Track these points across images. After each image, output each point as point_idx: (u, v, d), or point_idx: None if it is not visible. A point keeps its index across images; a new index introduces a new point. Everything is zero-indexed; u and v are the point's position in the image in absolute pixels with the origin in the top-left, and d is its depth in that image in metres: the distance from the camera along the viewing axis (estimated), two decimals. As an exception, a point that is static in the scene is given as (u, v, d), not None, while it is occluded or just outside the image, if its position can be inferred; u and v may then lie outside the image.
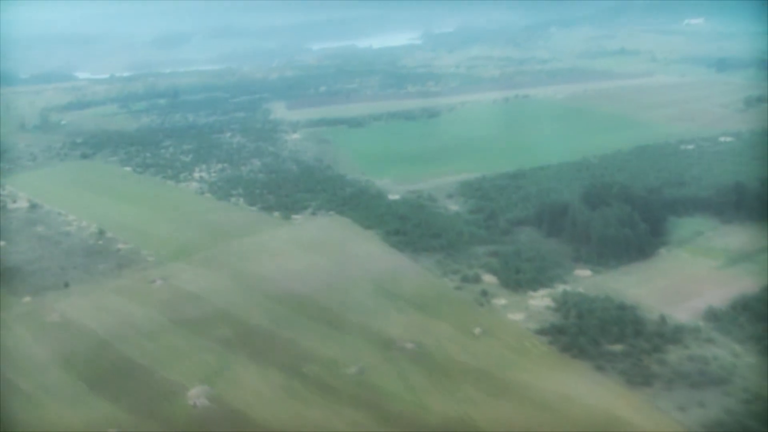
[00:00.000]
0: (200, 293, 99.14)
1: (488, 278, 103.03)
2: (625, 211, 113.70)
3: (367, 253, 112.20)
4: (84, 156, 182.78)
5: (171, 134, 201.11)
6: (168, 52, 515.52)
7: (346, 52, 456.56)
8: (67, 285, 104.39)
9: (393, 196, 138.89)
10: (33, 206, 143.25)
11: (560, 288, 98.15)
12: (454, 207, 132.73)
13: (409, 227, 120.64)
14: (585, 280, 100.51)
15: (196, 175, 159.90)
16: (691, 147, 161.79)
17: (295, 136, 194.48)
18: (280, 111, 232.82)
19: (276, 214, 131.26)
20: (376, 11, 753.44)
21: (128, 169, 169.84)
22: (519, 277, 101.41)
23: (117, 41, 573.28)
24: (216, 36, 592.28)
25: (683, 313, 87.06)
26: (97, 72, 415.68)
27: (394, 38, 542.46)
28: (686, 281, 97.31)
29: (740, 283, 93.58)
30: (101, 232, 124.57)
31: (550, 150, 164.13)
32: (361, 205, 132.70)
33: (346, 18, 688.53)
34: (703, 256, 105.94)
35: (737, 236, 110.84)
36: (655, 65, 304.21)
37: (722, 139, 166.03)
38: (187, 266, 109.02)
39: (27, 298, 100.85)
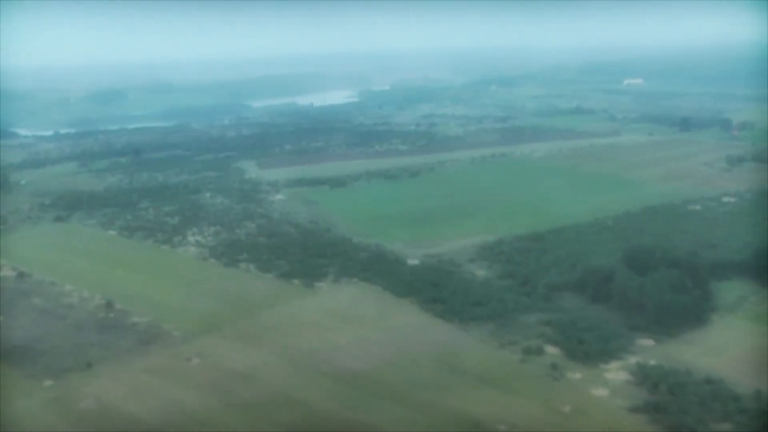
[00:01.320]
0: (248, 372, 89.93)
1: (551, 350, 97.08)
2: (675, 276, 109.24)
3: (412, 324, 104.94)
4: (58, 219, 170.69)
5: (145, 195, 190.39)
6: (105, 108, 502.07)
7: (289, 109, 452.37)
8: (89, 365, 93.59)
9: (412, 261, 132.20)
10: (21, 275, 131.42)
11: (631, 360, 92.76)
12: (481, 272, 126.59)
13: (446, 295, 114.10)
14: (650, 350, 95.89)
15: (191, 239, 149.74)
16: (698, 207, 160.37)
17: (279, 197, 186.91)
18: (252, 170, 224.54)
19: (296, 281, 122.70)
20: (307, 69, 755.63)
21: (113, 232, 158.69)
22: (584, 349, 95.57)
23: (49, 96, 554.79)
24: (150, 92, 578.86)
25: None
26: (36, 128, 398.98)
27: (330, 96, 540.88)
28: (756, 352, 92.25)
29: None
30: (109, 304, 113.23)
31: (554, 211, 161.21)
32: (383, 272, 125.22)
33: (278, 76, 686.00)
34: (756, 323, 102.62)
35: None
36: (615, 124, 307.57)
37: (725, 199, 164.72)
38: (220, 342, 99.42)
39: (48, 382, 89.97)
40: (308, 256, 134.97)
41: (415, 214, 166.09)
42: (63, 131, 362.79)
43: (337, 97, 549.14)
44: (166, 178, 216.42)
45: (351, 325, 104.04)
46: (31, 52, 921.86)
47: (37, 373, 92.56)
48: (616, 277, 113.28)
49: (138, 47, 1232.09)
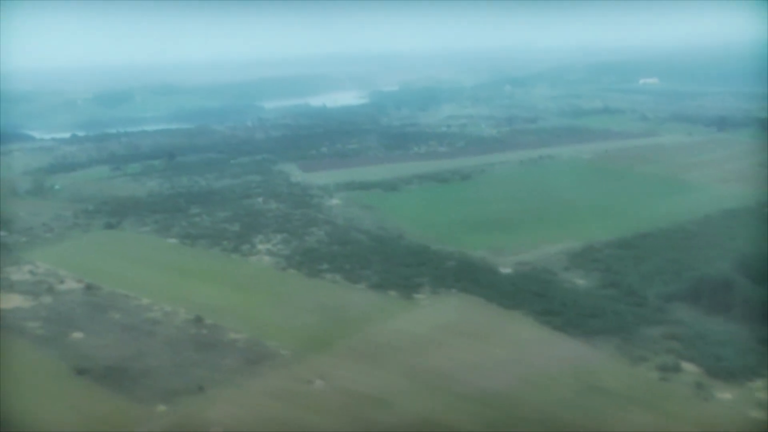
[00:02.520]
0: (380, 396, 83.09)
1: (688, 366, 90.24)
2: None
3: (535, 339, 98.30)
4: (109, 226, 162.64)
5: (192, 200, 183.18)
6: (114, 110, 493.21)
7: (304, 110, 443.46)
8: (201, 388, 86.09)
9: (504, 270, 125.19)
10: (89, 287, 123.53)
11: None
12: (580, 281, 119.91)
13: (556, 307, 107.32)
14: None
15: (261, 247, 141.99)
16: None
17: (334, 201, 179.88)
18: (295, 173, 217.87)
19: (392, 293, 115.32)
20: (311, 70, 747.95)
21: (173, 240, 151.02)
22: (724, 366, 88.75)
23: (54, 98, 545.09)
24: (157, 94, 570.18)
25: None
26: (48, 131, 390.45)
27: (339, 97, 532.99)
28: None
29: None
30: (198, 319, 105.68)
31: (630, 215, 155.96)
32: (479, 282, 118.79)
33: (283, 77, 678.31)
34: None
35: None
36: (648, 124, 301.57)
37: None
38: (336, 361, 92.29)
39: (161, 407, 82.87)
40: (393, 265, 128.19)
41: (484, 219, 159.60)
42: (80, 133, 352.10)
43: (347, 98, 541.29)
44: (208, 182, 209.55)
45: (471, 340, 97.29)
46: (32, 53, 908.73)
47: (144, 396, 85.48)
48: (734, 286, 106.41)
49: (139, 49, 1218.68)
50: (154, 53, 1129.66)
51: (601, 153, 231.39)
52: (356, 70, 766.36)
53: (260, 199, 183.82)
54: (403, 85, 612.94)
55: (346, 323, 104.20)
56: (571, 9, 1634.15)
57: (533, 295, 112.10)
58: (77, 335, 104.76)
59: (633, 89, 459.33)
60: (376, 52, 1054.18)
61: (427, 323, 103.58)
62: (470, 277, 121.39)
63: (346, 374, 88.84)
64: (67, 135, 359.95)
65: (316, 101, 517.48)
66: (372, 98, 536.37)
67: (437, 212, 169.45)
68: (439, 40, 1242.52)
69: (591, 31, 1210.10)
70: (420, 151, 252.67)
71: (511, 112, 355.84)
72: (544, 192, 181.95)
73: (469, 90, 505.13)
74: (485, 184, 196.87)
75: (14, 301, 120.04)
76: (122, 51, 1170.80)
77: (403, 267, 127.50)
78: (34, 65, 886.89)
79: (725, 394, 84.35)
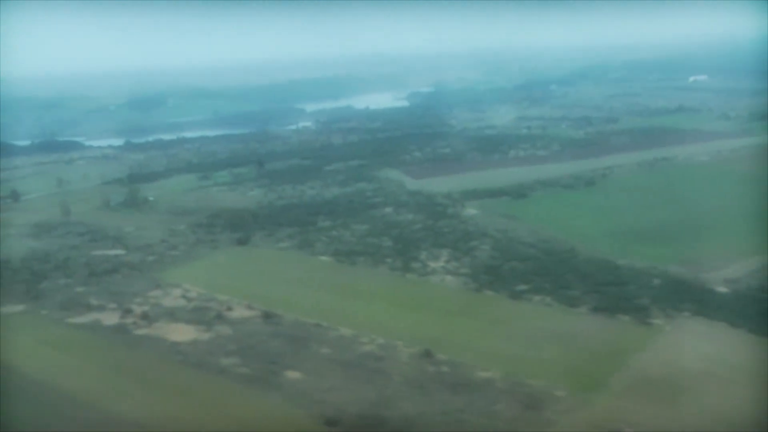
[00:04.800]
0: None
1: None
2: None
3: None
4: (240, 242, 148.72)
5: (314, 211, 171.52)
6: (150, 116, 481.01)
7: (351, 113, 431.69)
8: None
9: (719, 288, 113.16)
10: (267, 316, 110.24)
11: None
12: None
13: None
14: None
15: (433, 265, 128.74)
16: None
17: (471, 211, 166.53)
18: (405, 180, 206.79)
19: (622, 318, 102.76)
20: (337, 72, 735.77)
21: (325, 258, 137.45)
22: None
23: (86, 104, 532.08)
24: (189, 98, 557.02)
25: None
26: (90, 137, 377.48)
27: (377, 99, 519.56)
28: None
29: None
30: (428, 354, 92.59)
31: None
32: (706, 303, 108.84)
33: (313, 79, 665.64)
34: None
35: None
36: (736, 123, 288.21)
37: None
38: (627, 403, 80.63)
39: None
40: (596, 284, 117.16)
41: (640, 228, 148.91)
42: (134, 140, 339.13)
43: (385, 99, 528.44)
44: (316, 191, 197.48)
45: (750, 375, 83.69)
46: (53, 57, 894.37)
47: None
48: None
49: (163, 51, 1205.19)
50: (171, 57, 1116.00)
51: (714, 154, 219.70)
52: (383, 71, 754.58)
53: (388, 209, 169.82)
54: (437, 86, 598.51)
55: (602, 355, 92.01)
56: (582, 9, 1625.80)
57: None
58: (293, 375, 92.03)
59: (686, 86, 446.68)
60: (398, 53, 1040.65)
61: (689, 354, 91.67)
62: (691, 298, 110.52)
63: (649, 419, 75.69)
64: (119, 141, 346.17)
65: (355, 103, 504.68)
66: (411, 100, 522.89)
67: (585, 221, 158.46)
68: (459, 40, 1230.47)
69: (605, 30, 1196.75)
70: (518, 154, 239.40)
71: (580, 112, 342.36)
72: (685, 198, 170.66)
73: (512, 90, 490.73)
74: (615, 190, 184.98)
75: (186, 332, 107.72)
76: (145, 53, 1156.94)
77: (607, 286, 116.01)
78: (56, 70, 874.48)
79: None
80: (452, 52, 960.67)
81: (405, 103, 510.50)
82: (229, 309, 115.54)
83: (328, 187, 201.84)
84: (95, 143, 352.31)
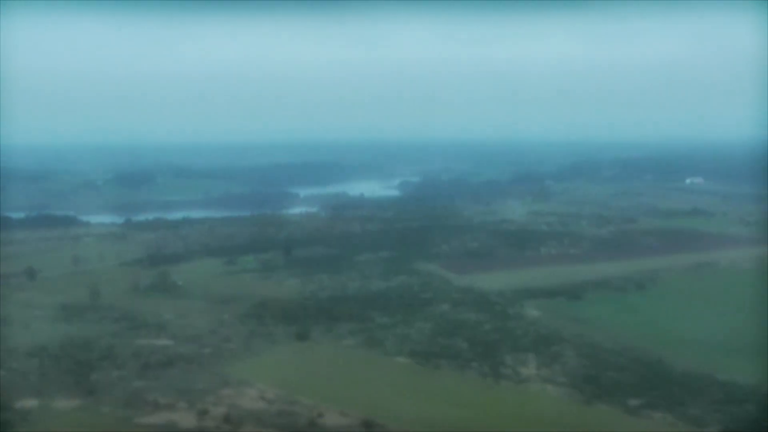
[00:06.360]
0: None
1: None
2: None
3: None
4: (300, 337, 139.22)
5: (366, 305, 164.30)
6: (140, 193, 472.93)
7: (343, 200, 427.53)
8: None
9: None
10: (368, 425, 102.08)
11: None
12: None
13: None
14: None
15: (524, 371, 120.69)
16: None
17: (534, 312, 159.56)
18: (446, 275, 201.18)
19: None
20: (322, 158, 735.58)
21: (402, 359, 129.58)
22: None
23: (72, 178, 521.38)
24: (177, 177, 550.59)
25: None
26: (83, 212, 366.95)
27: (367, 186, 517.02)
28: None
29: None
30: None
31: None
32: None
33: (299, 163, 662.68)
34: None
35: None
36: (753, 228, 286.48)
37: None
38: None
39: None
40: (712, 401, 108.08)
41: (722, 338, 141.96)
42: (134, 218, 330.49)
43: (375, 187, 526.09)
44: (359, 283, 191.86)
45: None
46: (29, 128, 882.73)
47: None
48: None
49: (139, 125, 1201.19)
50: (159, 130, 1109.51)
51: (756, 261, 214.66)
52: (366, 159, 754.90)
53: (445, 307, 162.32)
54: (424, 176, 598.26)
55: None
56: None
57: None
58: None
59: (685, 188, 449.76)
60: (379, 140, 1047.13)
61: None
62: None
63: None
64: (114, 218, 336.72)
65: (345, 189, 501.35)
66: (402, 189, 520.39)
67: (655, 328, 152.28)
68: (441, 128, 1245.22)
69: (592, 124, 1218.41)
70: (550, 252, 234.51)
71: (588, 209, 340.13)
72: (746, 307, 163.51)
73: (507, 184, 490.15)
74: (670, 295, 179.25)
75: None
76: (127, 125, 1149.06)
77: (725, 404, 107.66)
78: (38, 142, 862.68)
79: None
80: (434, 141, 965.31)
81: (396, 192, 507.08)
82: (320, 415, 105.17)
83: (368, 279, 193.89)
84: (91, 219, 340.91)
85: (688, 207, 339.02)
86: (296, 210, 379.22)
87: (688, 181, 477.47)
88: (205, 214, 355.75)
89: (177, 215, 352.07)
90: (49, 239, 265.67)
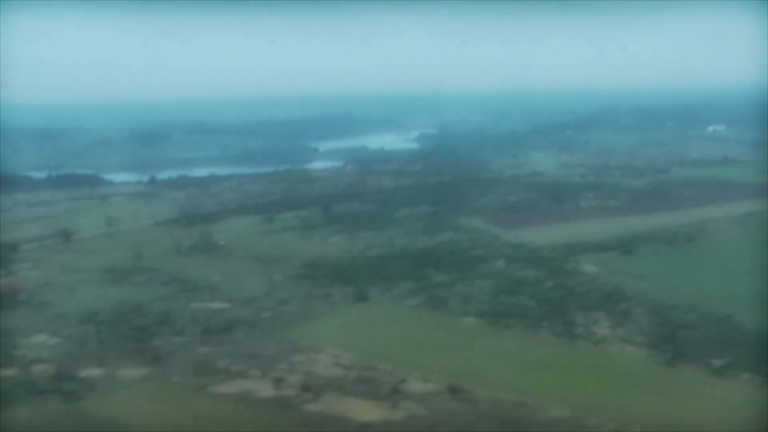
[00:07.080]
0: None
1: None
2: None
3: None
4: (360, 298, 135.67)
5: (418, 263, 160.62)
6: (156, 150, 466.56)
7: (365, 154, 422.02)
8: None
9: None
10: (454, 391, 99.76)
11: None
12: None
13: None
14: None
15: (599, 331, 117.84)
16: None
17: (591, 268, 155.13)
18: (494, 230, 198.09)
19: None
20: (338, 110, 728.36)
21: (471, 319, 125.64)
22: None
23: (87, 136, 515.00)
24: (192, 133, 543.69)
25: None
26: (101, 170, 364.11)
27: (386, 139, 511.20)
28: None
29: None
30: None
31: None
32: None
33: (316, 117, 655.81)
34: None
35: None
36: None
37: None
38: None
39: None
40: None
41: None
42: (159, 176, 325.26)
43: (393, 140, 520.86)
44: (405, 240, 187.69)
45: None
46: (38, 86, 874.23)
47: None
48: None
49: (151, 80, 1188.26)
50: (173, 84, 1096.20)
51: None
52: (382, 112, 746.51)
53: (500, 263, 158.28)
54: (441, 128, 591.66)
55: None
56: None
57: None
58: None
59: (708, 136, 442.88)
60: (394, 92, 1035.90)
61: None
62: None
63: None
64: (135, 177, 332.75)
65: (363, 143, 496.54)
66: (421, 142, 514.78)
67: (714, 283, 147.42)
68: (456, 79, 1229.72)
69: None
70: (590, 204, 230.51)
71: (618, 160, 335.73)
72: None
73: (527, 135, 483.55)
74: (722, 248, 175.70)
75: (369, 410, 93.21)
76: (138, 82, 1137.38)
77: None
78: (54, 99, 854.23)
79: None
80: (446, 93, 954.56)
81: (415, 145, 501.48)
82: (403, 381, 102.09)
83: (413, 236, 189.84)
84: (113, 178, 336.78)
85: (718, 156, 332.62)
86: (319, 164, 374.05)
87: (710, 128, 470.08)
88: (227, 171, 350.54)
89: (199, 172, 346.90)
90: (76, 199, 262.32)
